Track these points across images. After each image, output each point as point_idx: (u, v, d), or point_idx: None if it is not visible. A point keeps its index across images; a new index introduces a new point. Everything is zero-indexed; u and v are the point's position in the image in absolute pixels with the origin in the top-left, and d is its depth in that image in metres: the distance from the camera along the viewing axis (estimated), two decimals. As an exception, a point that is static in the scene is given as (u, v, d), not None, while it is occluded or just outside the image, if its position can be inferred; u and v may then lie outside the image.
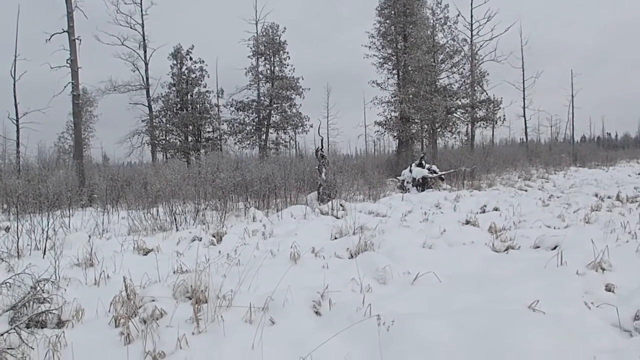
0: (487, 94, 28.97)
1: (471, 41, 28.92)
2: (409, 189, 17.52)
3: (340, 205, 11.57)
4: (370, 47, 30.11)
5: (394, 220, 9.38)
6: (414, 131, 28.93)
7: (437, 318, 3.49)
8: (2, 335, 3.15)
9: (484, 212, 10.56)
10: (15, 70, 22.72)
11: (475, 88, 28.62)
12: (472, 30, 28.88)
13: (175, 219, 9.84)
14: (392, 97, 29.17)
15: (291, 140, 33.36)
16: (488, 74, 29.28)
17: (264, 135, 32.02)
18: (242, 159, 20.31)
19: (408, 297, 4.29)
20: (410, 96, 27.22)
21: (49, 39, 18.70)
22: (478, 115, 28.76)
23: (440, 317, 3.52)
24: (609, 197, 11.93)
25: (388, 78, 30.05)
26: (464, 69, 29.08)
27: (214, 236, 8.02)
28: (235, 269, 5.14)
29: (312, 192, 13.88)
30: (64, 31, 18.62)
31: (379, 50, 30.08)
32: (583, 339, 3.14)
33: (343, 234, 7.81)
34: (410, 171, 17.99)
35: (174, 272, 5.29)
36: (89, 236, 8.08)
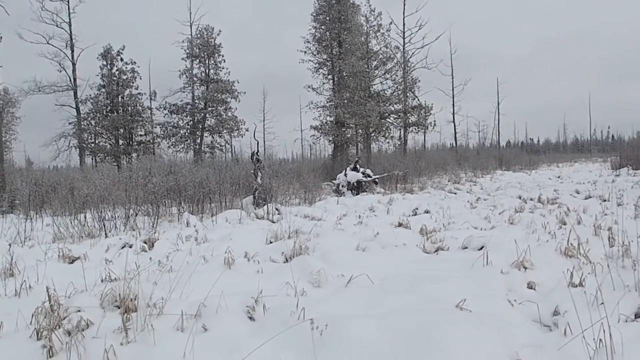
0: (418, 100, 29.87)
1: (403, 48, 29.68)
2: (344, 192, 17.70)
3: (276, 209, 11.55)
4: (305, 52, 30.34)
5: (329, 224, 9.47)
6: (348, 135, 29.36)
7: (369, 319, 3.56)
8: None
9: (415, 214, 10.85)
10: None
11: (408, 94, 29.39)
12: (404, 38, 29.65)
13: (104, 225, 9.49)
14: (327, 102, 29.51)
15: (227, 144, 32.95)
16: (419, 80, 30.22)
17: (199, 138, 31.47)
18: (176, 162, 19.85)
19: (342, 299, 4.34)
20: (345, 101, 27.64)
21: (-34, 36, 17.56)
22: (410, 121, 29.53)
23: (372, 318, 3.59)
24: (531, 199, 12.60)
25: (323, 83, 30.39)
26: (396, 75, 29.84)
27: (145, 242, 7.79)
28: (167, 275, 5.00)
29: (248, 196, 13.76)
30: (-18, 27, 17.57)
31: (315, 55, 30.36)
32: (507, 335, 3.29)
33: (278, 238, 7.79)
34: (345, 175, 18.19)
35: (102, 281, 5.09)
36: (9, 245, 7.62)
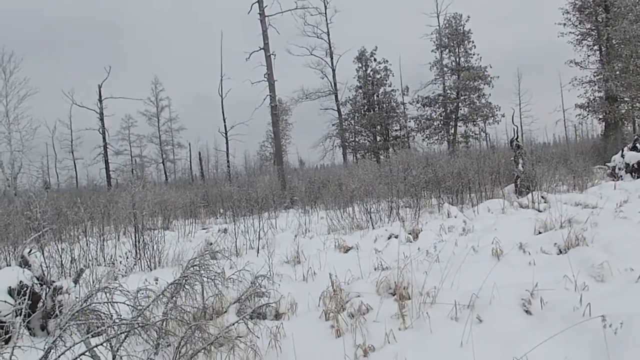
0: None
1: (694, -3, 24.58)
2: (621, 176, 15.54)
3: (542, 197, 10.75)
4: (565, 24, 27.58)
5: (607, 212, 8.40)
6: (623, 111, 25.72)
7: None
8: (233, 325, 3.57)
9: None
10: (222, 89, 25.88)
11: None
12: (695, -16, 24.54)
13: (370, 217, 10.15)
14: (594, 76, 26.36)
15: (481, 132, 31.99)
16: None
17: (452, 129, 31.30)
18: (432, 154, 20.10)
19: (634, 296, 3.81)
20: (617, 72, 24.25)
21: (248, 58, 20.77)
22: None
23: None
24: None
25: (588, 55, 27.29)
26: (687, 32, 24.83)
27: (409, 233, 8.08)
28: (435, 265, 5.09)
29: (509, 184, 13.17)
30: (260, 49, 20.51)
31: (576, 26, 27.41)
32: None
33: (548, 228, 7.24)
34: (622, 156, 15.95)
35: (374, 269, 5.46)
36: (295, 236, 8.77)
